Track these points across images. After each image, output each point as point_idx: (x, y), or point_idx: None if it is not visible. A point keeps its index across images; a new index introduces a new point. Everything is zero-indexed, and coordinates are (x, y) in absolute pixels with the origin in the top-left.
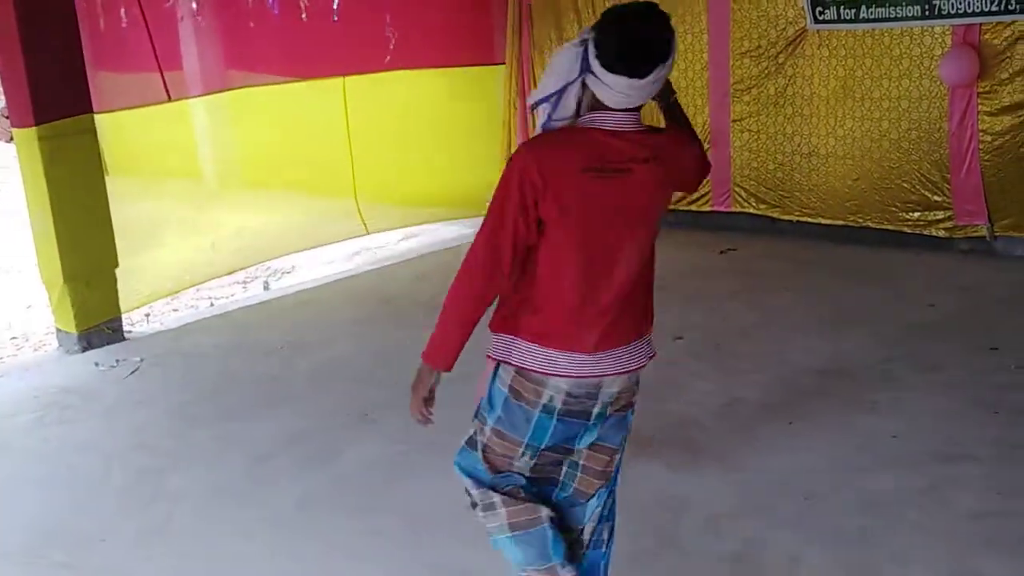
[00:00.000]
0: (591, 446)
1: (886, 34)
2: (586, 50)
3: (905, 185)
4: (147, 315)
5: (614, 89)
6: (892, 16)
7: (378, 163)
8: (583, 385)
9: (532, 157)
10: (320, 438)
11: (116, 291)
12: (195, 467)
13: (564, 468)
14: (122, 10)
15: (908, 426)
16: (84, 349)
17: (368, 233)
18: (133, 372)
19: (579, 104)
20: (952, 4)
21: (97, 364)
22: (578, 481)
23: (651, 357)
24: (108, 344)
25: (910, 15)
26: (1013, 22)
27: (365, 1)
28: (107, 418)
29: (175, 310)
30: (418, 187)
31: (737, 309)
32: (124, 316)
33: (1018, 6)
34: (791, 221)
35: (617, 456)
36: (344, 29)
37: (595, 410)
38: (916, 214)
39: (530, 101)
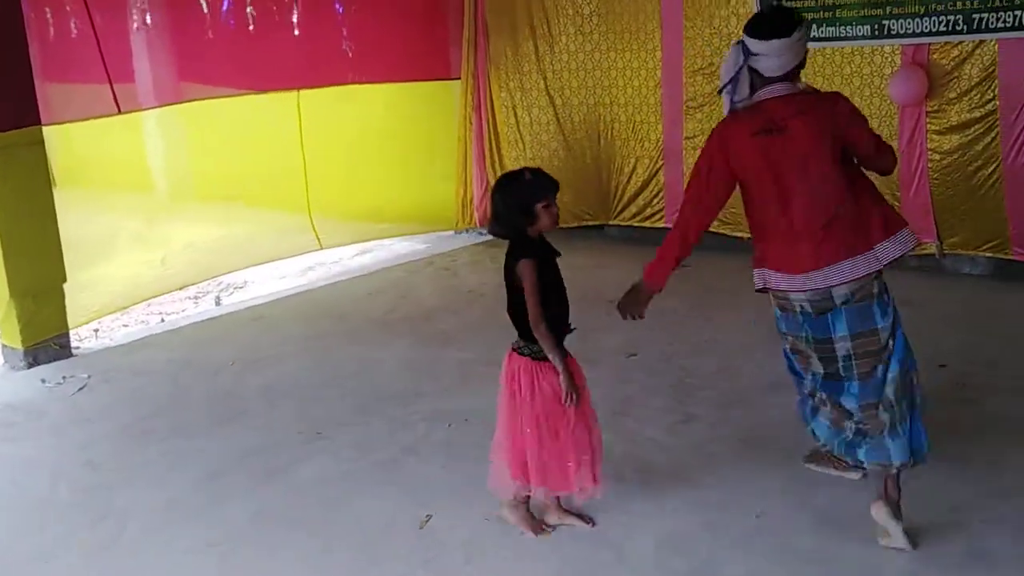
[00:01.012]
0: (853, 336)
1: (837, 52)
2: (742, 42)
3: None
4: (96, 331)
5: (768, 55)
6: (842, 35)
7: (332, 177)
8: (815, 294)
9: (715, 132)
10: (272, 455)
11: (64, 306)
12: (145, 484)
13: (840, 362)
14: (72, 21)
15: None
16: (30, 365)
17: (322, 248)
18: (81, 389)
19: (751, 87)
20: (901, 24)
21: (44, 381)
22: (856, 366)
23: (880, 265)
24: (55, 360)
25: (860, 34)
26: (960, 43)
27: (321, 14)
28: (54, 435)
29: (125, 326)
30: (373, 202)
31: (691, 325)
32: (72, 332)
33: (965, 27)
34: (743, 238)
35: (879, 337)
36: (300, 42)
37: (835, 305)
38: None
39: (720, 89)
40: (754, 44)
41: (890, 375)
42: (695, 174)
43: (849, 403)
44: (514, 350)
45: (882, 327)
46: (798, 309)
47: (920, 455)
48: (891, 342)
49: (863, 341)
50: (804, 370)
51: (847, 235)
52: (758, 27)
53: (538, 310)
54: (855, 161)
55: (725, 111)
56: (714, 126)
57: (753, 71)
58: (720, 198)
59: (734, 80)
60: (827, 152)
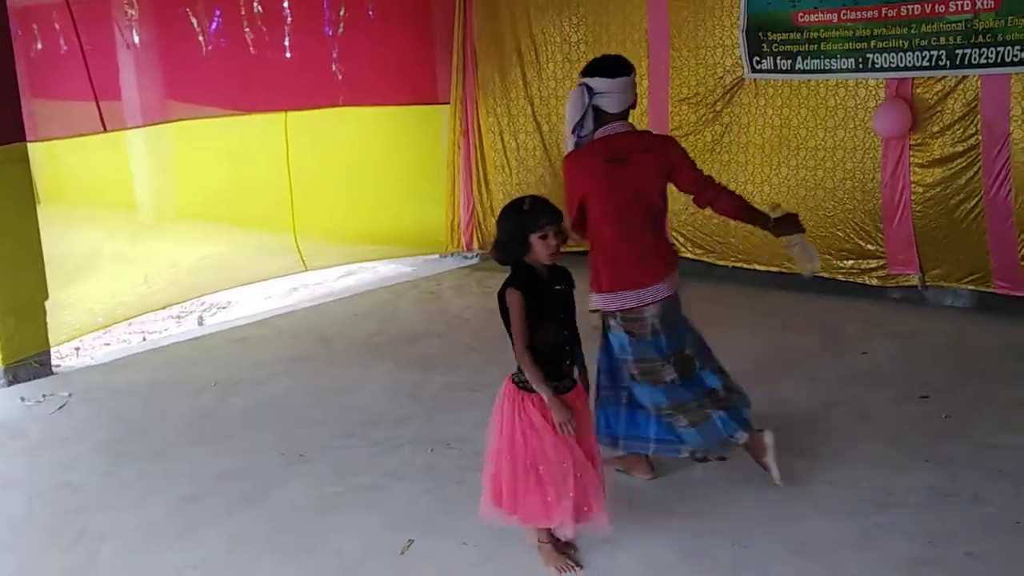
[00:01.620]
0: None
1: (821, 85)
2: (584, 84)
3: (839, 233)
4: (77, 349)
5: (612, 93)
6: (827, 68)
7: (318, 200)
8: (666, 302)
9: (570, 163)
10: (252, 477)
11: (45, 324)
12: (122, 506)
13: (695, 358)
14: (59, 38)
15: (841, 473)
16: (10, 383)
17: (307, 270)
18: (61, 408)
19: (595, 123)
20: (886, 58)
21: (23, 399)
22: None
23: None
24: (35, 378)
25: (845, 67)
26: (944, 78)
27: (311, 37)
28: (31, 455)
29: (107, 344)
30: (359, 225)
31: None
32: (53, 350)
33: (948, 62)
34: (727, 267)
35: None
36: (288, 64)
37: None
38: (850, 262)
39: (567, 131)
40: (600, 83)
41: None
42: (567, 200)
43: (713, 382)
44: (510, 376)
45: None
46: (649, 328)
47: None
48: None
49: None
50: (654, 387)
51: (659, 259)
52: (604, 68)
53: (521, 340)
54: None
55: (568, 149)
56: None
57: (596, 109)
58: (575, 223)
59: (583, 118)
60: (657, 187)
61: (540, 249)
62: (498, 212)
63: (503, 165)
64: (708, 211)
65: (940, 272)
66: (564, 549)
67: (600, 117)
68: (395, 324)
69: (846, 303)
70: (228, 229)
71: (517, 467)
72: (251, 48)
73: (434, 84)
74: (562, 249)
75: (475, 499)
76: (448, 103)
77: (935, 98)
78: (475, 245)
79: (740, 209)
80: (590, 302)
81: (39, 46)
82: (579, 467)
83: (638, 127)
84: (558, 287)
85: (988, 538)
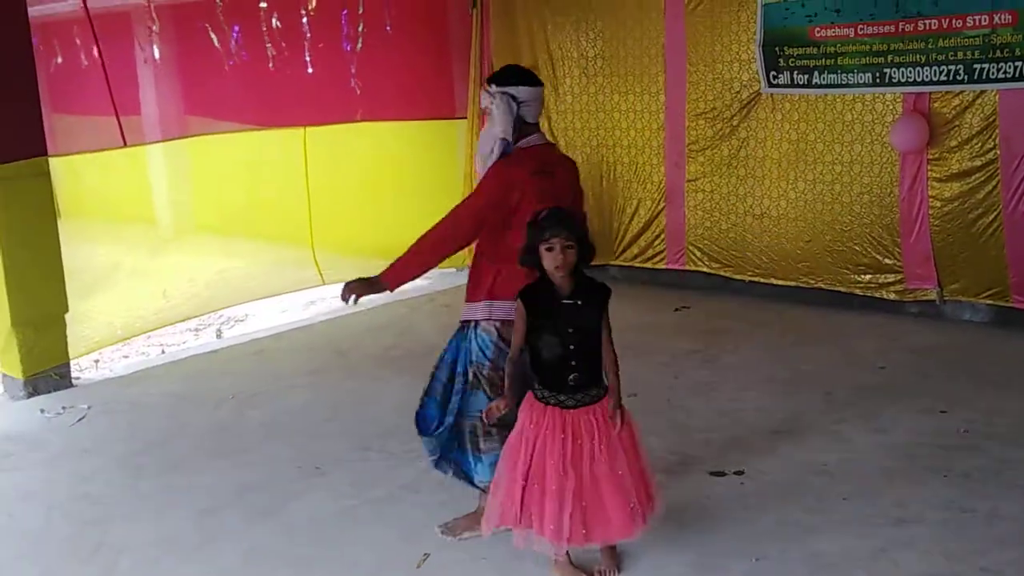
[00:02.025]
0: None
1: (838, 100)
2: (507, 93)
3: (856, 248)
4: (96, 361)
5: (534, 102)
6: (844, 82)
7: (336, 214)
8: None
9: (499, 172)
10: (269, 490)
11: (65, 337)
12: (140, 519)
13: None
14: (81, 54)
15: (858, 488)
16: (30, 395)
17: (324, 284)
18: (80, 420)
19: (515, 133)
20: (903, 73)
21: (43, 411)
22: None
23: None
24: (55, 391)
25: (862, 82)
26: (961, 92)
27: (330, 52)
28: (51, 467)
29: (125, 357)
30: (376, 239)
31: (690, 367)
32: (73, 362)
33: (965, 77)
34: (744, 281)
35: None
36: (308, 79)
37: None
38: (867, 277)
39: (490, 142)
40: (525, 92)
41: None
42: (474, 203)
43: None
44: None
45: None
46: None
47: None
48: None
49: None
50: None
51: None
52: (525, 76)
53: (514, 345)
54: None
55: (490, 160)
56: (501, 168)
57: (519, 119)
58: (479, 231)
59: (513, 127)
60: (569, 202)
61: (546, 260)
62: None
63: None
64: (724, 225)
65: (958, 287)
66: (579, 566)
67: (522, 127)
68: (411, 337)
69: (863, 318)
70: (246, 243)
71: (516, 477)
72: (271, 64)
73: (451, 98)
74: (558, 267)
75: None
76: (465, 117)
77: (953, 112)
78: None
79: None
80: (474, 310)
81: (60, 61)
82: (562, 490)
83: (654, 143)
84: (569, 301)
85: (1005, 554)
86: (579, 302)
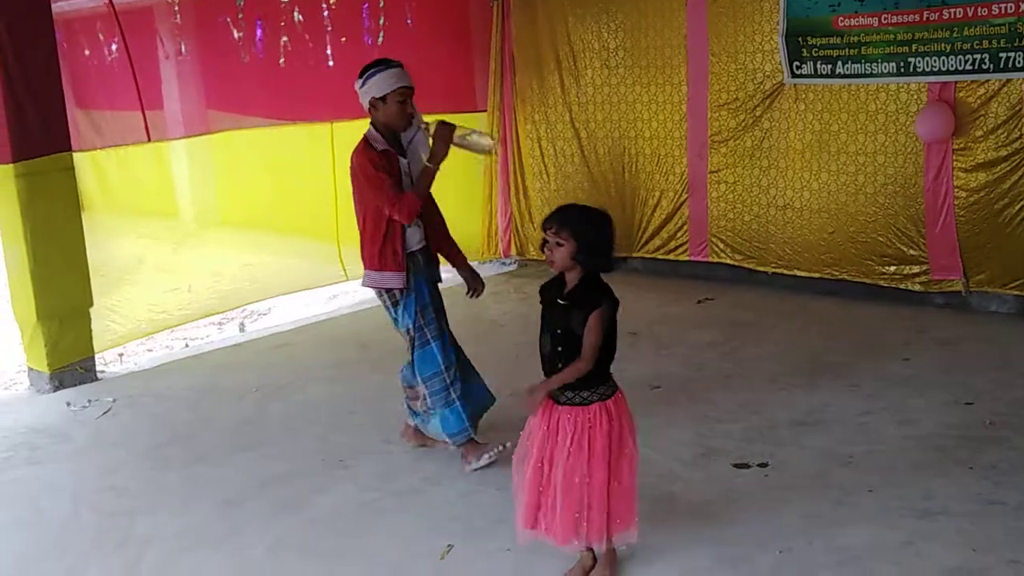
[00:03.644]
0: None
1: (862, 89)
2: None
3: (881, 239)
4: (120, 355)
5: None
6: (868, 72)
7: None
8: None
9: (368, 151)
10: (292, 483)
11: (90, 331)
12: (165, 510)
13: None
14: (105, 49)
15: (884, 480)
16: (56, 389)
17: (347, 279)
18: (105, 413)
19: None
20: (927, 62)
21: (69, 404)
22: None
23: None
24: (80, 384)
25: (886, 72)
26: (987, 81)
27: (351, 47)
28: (77, 459)
29: (149, 350)
30: None
31: (713, 359)
32: (97, 356)
33: (991, 65)
34: (767, 272)
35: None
36: (332, 74)
37: None
38: (892, 268)
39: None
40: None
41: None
42: (384, 180)
43: None
44: None
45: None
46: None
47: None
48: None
49: None
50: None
51: None
52: (393, 62)
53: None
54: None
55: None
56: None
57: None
58: None
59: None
60: (358, 192)
61: (546, 253)
62: (536, 219)
63: (541, 172)
64: (747, 216)
65: (984, 277)
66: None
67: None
68: None
69: (888, 309)
70: (272, 238)
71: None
72: (294, 59)
73: (472, 92)
74: (550, 261)
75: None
76: (486, 111)
77: (978, 102)
78: (513, 251)
79: None
80: (386, 279)
81: (86, 57)
82: (533, 478)
83: (676, 133)
84: (563, 302)
85: None
86: (569, 304)
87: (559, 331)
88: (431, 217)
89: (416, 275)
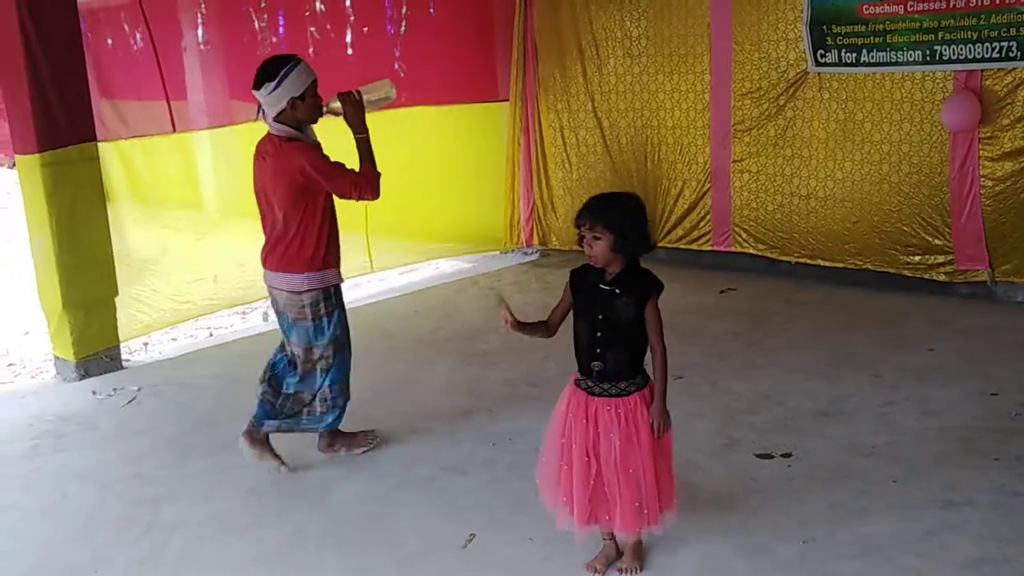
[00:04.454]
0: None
1: (887, 78)
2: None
3: (905, 229)
4: (145, 344)
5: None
6: (893, 60)
7: (386, 199)
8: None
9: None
10: (314, 472)
11: (115, 320)
12: (190, 498)
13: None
14: (130, 39)
15: (907, 471)
16: (82, 377)
17: (373, 271)
18: (130, 401)
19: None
20: (953, 50)
21: (94, 393)
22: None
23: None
24: (106, 373)
25: (911, 60)
26: (1014, 69)
27: (374, 36)
28: (103, 447)
29: (174, 339)
30: (422, 224)
31: (736, 349)
32: (123, 345)
33: (1019, 53)
34: (790, 262)
35: (299, 350)
36: (354, 63)
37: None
38: (916, 258)
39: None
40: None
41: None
42: (341, 166)
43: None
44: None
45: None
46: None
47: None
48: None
49: None
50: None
51: None
52: (292, 57)
53: (553, 313)
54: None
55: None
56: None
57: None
58: None
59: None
60: (280, 194)
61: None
62: (559, 208)
63: (563, 161)
64: (771, 206)
65: (1010, 267)
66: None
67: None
68: (456, 320)
69: (912, 299)
70: None
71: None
72: (317, 48)
73: (495, 81)
74: (590, 256)
75: (538, 493)
76: (508, 100)
77: (1005, 90)
78: (535, 241)
79: None
80: (331, 276)
81: (110, 44)
82: (582, 473)
83: (699, 122)
84: (607, 288)
85: None
86: (617, 291)
87: (600, 317)
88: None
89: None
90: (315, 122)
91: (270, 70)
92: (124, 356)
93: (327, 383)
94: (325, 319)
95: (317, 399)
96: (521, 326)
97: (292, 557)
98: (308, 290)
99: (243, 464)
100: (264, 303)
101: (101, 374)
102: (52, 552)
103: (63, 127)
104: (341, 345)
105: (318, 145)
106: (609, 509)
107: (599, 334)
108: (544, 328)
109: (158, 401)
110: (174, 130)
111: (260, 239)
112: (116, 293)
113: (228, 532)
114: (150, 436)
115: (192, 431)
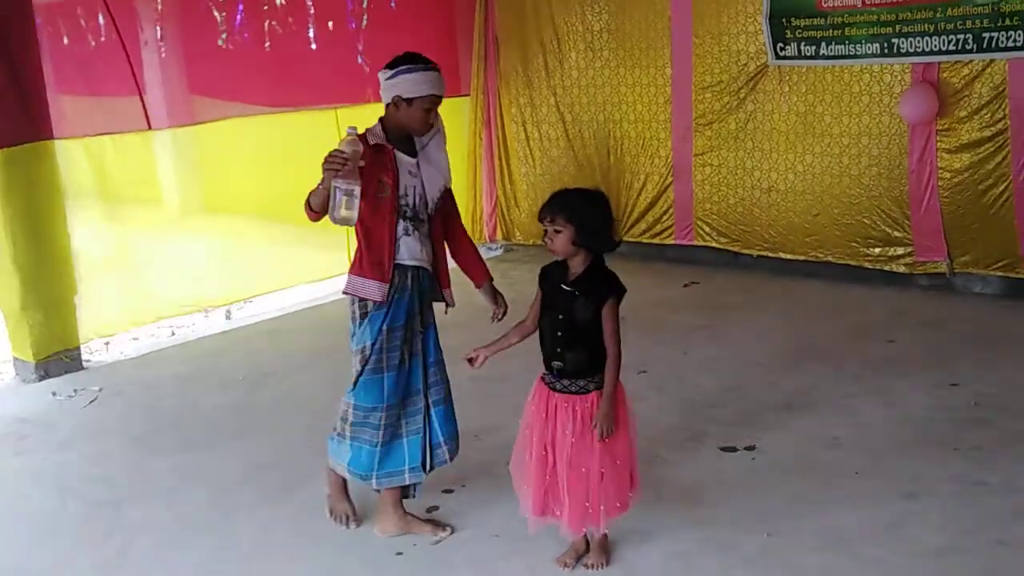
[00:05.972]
0: None
1: (846, 71)
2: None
3: (866, 221)
4: (107, 344)
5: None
6: (852, 53)
7: None
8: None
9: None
10: (282, 470)
11: (75, 319)
12: (154, 499)
13: None
14: (89, 34)
15: (869, 462)
16: (41, 378)
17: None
18: (91, 402)
19: None
20: (911, 43)
21: (54, 394)
22: None
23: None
24: (66, 373)
25: (870, 52)
26: (970, 62)
27: (336, 32)
28: (64, 449)
29: (135, 339)
30: None
31: (700, 343)
32: (83, 345)
33: (975, 46)
34: (752, 256)
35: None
36: (319, 60)
37: None
38: (877, 250)
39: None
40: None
41: None
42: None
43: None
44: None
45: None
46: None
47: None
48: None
49: None
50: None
51: None
52: (431, 64)
53: (529, 310)
54: None
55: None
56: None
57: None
58: None
59: None
60: None
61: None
62: (522, 203)
63: (526, 156)
64: (732, 199)
65: (968, 259)
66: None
67: None
68: None
69: (873, 291)
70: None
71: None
72: (276, 45)
73: (456, 76)
74: (551, 250)
75: (504, 490)
76: (469, 94)
77: (962, 82)
78: (499, 236)
79: None
80: (366, 287)
81: (66, 43)
82: (538, 466)
83: (661, 116)
84: (567, 288)
85: (1020, 526)
86: (576, 292)
87: (561, 317)
88: (451, 232)
89: (398, 292)
90: (419, 135)
91: (396, 60)
92: (85, 356)
93: (352, 403)
94: (360, 323)
95: (340, 416)
96: (498, 346)
97: (260, 556)
98: (347, 292)
99: (208, 464)
100: (232, 304)
101: (61, 375)
102: (12, 556)
103: (18, 125)
104: (369, 366)
105: (379, 148)
106: (560, 506)
107: (559, 333)
108: (520, 331)
109: (120, 401)
110: (150, 127)
111: (227, 238)
112: (76, 292)
113: (195, 532)
114: (112, 437)
115: (155, 431)
